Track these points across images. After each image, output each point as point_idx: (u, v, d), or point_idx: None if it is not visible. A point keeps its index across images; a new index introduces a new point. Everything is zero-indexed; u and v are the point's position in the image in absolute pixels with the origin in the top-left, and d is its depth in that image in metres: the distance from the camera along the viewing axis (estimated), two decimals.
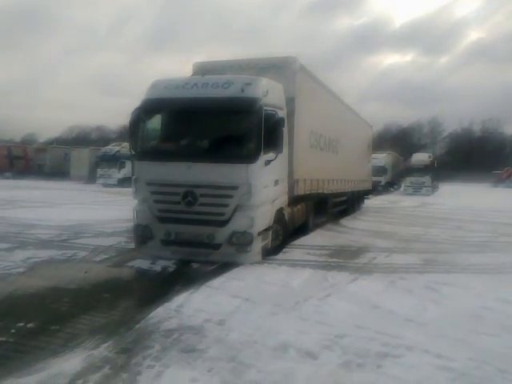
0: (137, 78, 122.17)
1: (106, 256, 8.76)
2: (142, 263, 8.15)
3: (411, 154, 43.68)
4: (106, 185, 36.69)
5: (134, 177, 8.55)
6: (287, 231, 9.69)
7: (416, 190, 37.39)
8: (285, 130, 8.63)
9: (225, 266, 7.89)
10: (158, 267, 7.92)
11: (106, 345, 4.53)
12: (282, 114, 8.65)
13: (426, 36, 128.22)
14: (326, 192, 12.76)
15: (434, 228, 14.58)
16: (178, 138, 8.65)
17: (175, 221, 8.08)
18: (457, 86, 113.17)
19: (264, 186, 8.18)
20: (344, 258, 9.13)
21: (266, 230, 8.37)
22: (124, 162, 38.49)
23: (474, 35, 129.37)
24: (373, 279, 7.48)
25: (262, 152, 7.94)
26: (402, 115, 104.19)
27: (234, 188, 7.84)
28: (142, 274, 7.67)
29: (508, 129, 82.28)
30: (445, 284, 7.18)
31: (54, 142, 61.97)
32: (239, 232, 7.86)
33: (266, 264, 8.10)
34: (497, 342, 4.86)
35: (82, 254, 8.86)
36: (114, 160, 38.27)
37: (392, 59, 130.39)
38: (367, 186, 21.29)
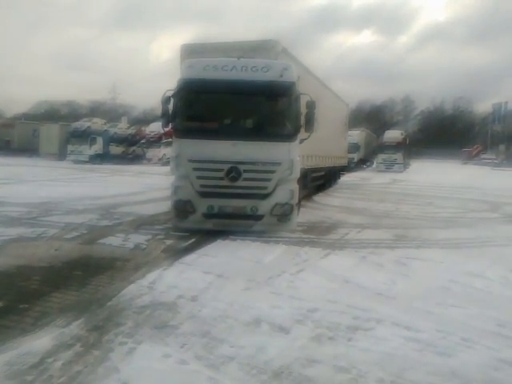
0: (103, 54, 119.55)
1: (77, 233, 8.63)
2: (114, 240, 8.09)
3: (384, 132, 44.13)
4: (76, 161, 35.98)
5: (173, 154, 8.87)
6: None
7: (388, 166, 37.90)
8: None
9: (198, 243, 7.91)
10: (130, 244, 7.87)
11: (77, 322, 4.48)
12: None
13: (384, 16, 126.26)
14: (305, 167, 12.95)
15: (404, 204, 14.84)
16: (222, 118, 9.13)
17: (218, 195, 8.52)
18: (423, 66, 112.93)
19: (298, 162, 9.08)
20: (317, 234, 9.24)
21: (299, 201, 9.33)
22: (95, 138, 37.85)
23: (431, 16, 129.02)
24: (344, 254, 7.59)
25: (300, 131, 8.76)
26: (372, 93, 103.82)
27: (278, 164, 8.55)
28: (113, 251, 7.56)
29: (478, 108, 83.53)
30: (414, 258, 7.35)
31: (21, 117, 59.61)
32: (281, 204, 8.60)
33: (238, 240, 8.14)
34: (463, 313, 5.02)
35: (53, 231, 8.70)
36: (85, 136, 37.44)
37: (354, 39, 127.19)
38: (343, 162, 22.13)
